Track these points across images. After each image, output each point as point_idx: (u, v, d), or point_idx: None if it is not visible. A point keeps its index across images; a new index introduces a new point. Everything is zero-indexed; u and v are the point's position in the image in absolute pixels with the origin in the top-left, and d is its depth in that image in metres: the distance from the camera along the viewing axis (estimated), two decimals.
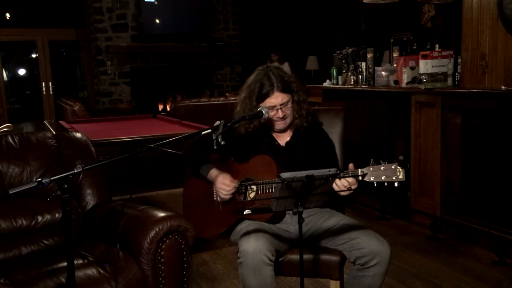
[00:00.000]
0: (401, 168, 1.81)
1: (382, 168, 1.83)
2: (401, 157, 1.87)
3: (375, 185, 1.86)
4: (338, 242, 2.08)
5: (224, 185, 2.13)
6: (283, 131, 2.27)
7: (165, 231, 2.07)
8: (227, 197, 2.15)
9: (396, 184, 1.83)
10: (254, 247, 1.90)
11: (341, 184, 1.90)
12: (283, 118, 2.19)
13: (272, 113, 2.18)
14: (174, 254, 2.11)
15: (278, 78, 2.19)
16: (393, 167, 1.82)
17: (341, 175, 1.89)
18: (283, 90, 2.18)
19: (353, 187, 1.91)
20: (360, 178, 1.87)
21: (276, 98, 2.17)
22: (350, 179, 1.89)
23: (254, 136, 2.25)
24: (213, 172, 2.19)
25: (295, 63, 8.88)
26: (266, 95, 2.17)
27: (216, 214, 2.23)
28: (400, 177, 1.82)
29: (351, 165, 1.92)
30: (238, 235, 2.09)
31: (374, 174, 1.84)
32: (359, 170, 1.88)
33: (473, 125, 3.56)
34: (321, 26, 8.97)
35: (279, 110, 2.18)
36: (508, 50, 3.38)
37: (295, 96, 2.23)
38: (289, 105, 2.20)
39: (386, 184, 1.84)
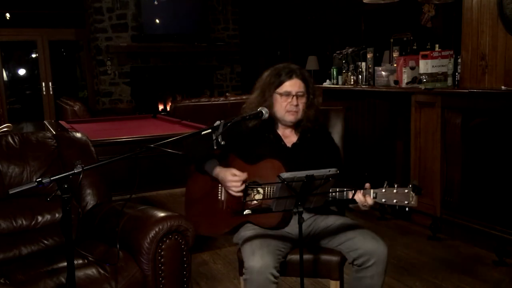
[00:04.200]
0: (415, 194, 1.80)
1: (394, 191, 1.83)
2: (415, 182, 1.83)
3: (386, 207, 1.87)
4: (335, 243, 2.09)
5: (236, 178, 2.06)
6: (289, 126, 2.25)
7: (165, 231, 2.07)
8: (239, 189, 2.08)
9: (406, 209, 1.83)
10: (260, 265, 1.89)
11: (360, 203, 1.90)
12: (296, 107, 2.17)
13: (286, 101, 2.16)
14: (174, 254, 2.11)
15: (298, 69, 2.23)
16: (406, 191, 1.81)
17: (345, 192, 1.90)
18: (302, 79, 2.20)
19: (369, 202, 1.91)
20: (371, 198, 1.88)
21: (294, 85, 2.17)
22: (369, 200, 1.89)
23: (260, 135, 2.23)
24: (220, 170, 2.14)
25: (295, 63, 8.87)
26: (284, 81, 2.17)
27: (219, 214, 2.22)
28: (412, 202, 1.80)
29: (367, 185, 1.91)
30: (241, 239, 2.08)
31: (386, 196, 1.84)
32: (372, 190, 1.88)
33: (473, 125, 3.56)
34: (321, 26, 8.96)
35: (294, 98, 2.16)
36: (508, 50, 3.38)
37: (311, 93, 2.24)
38: (304, 98, 2.19)
39: (397, 207, 1.84)
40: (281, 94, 2.18)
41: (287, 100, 2.17)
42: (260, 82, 2.28)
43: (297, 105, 2.17)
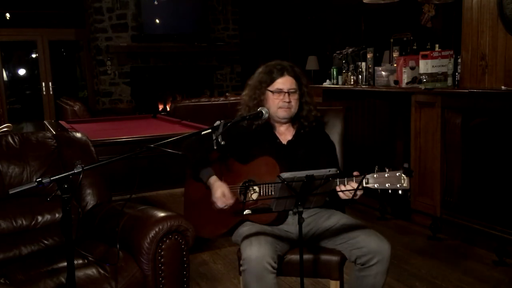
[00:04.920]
0: (406, 176, 1.79)
1: (386, 175, 1.82)
2: (406, 165, 1.82)
3: (379, 192, 1.85)
4: (338, 242, 2.08)
5: (223, 199, 2.11)
6: (284, 124, 2.25)
7: (165, 231, 2.07)
8: (222, 207, 2.13)
9: (400, 192, 1.82)
10: (257, 255, 1.90)
11: (347, 192, 1.89)
12: (289, 104, 2.18)
13: (278, 98, 2.17)
14: (174, 254, 2.11)
15: (289, 66, 2.24)
16: (397, 174, 1.80)
17: (345, 181, 1.88)
18: (294, 76, 2.21)
19: (358, 192, 1.90)
20: (364, 184, 1.86)
21: (285, 82, 2.18)
22: (354, 186, 1.88)
23: (256, 134, 2.24)
24: (213, 180, 2.16)
25: (295, 63, 8.88)
26: (275, 78, 2.19)
27: (217, 214, 2.22)
28: (404, 185, 1.80)
29: (356, 173, 1.91)
30: (240, 237, 2.08)
31: (378, 181, 1.83)
32: (364, 175, 1.87)
33: (473, 125, 3.56)
34: (321, 26, 8.97)
35: (286, 95, 2.17)
36: (508, 50, 3.38)
37: (304, 89, 2.24)
38: (296, 95, 2.20)
39: (390, 191, 1.83)
40: (272, 92, 2.19)
41: (279, 97, 2.18)
42: (252, 80, 2.29)
43: (289, 102, 2.19)
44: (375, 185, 1.84)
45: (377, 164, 1.86)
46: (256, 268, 1.89)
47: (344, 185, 1.89)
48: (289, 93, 2.18)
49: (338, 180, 1.89)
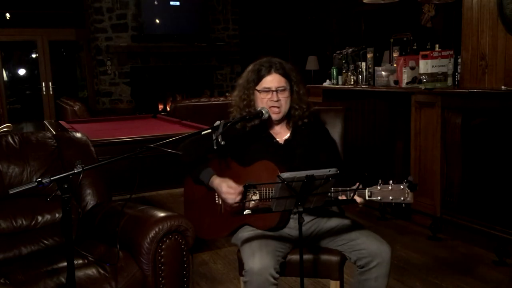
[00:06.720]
0: (410, 190, 1.78)
1: (390, 188, 1.81)
2: (410, 178, 1.82)
3: (382, 204, 1.85)
4: (338, 243, 2.08)
5: (231, 190, 2.06)
6: (279, 123, 2.21)
7: (165, 231, 2.07)
8: (236, 200, 2.07)
9: (403, 205, 1.81)
10: (259, 267, 1.88)
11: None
12: (277, 103, 2.11)
13: (266, 97, 2.11)
14: (174, 254, 2.11)
15: (278, 62, 2.16)
16: (401, 187, 1.79)
17: (347, 193, 1.87)
18: (282, 74, 2.13)
19: (358, 200, 1.89)
20: (367, 197, 1.86)
21: (273, 80, 2.11)
22: (358, 199, 1.88)
23: (252, 134, 2.20)
24: (215, 180, 2.12)
25: (295, 63, 8.89)
26: (263, 76, 2.12)
27: (218, 217, 2.21)
28: (408, 199, 1.79)
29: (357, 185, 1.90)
30: (239, 240, 2.07)
31: (381, 194, 1.82)
32: (367, 189, 1.86)
33: (473, 125, 3.56)
34: (321, 26, 8.97)
35: (274, 93, 2.10)
36: (508, 50, 3.38)
37: (295, 87, 2.18)
38: (286, 93, 2.13)
39: (393, 204, 1.83)
40: (259, 91, 2.14)
41: (267, 96, 2.12)
42: (241, 79, 2.23)
43: (278, 101, 2.12)
44: (378, 198, 1.83)
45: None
46: (258, 280, 1.87)
47: (346, 196, 1.89)
48: (277, 91, 2.11)
49: (340, 189, 1.88)
